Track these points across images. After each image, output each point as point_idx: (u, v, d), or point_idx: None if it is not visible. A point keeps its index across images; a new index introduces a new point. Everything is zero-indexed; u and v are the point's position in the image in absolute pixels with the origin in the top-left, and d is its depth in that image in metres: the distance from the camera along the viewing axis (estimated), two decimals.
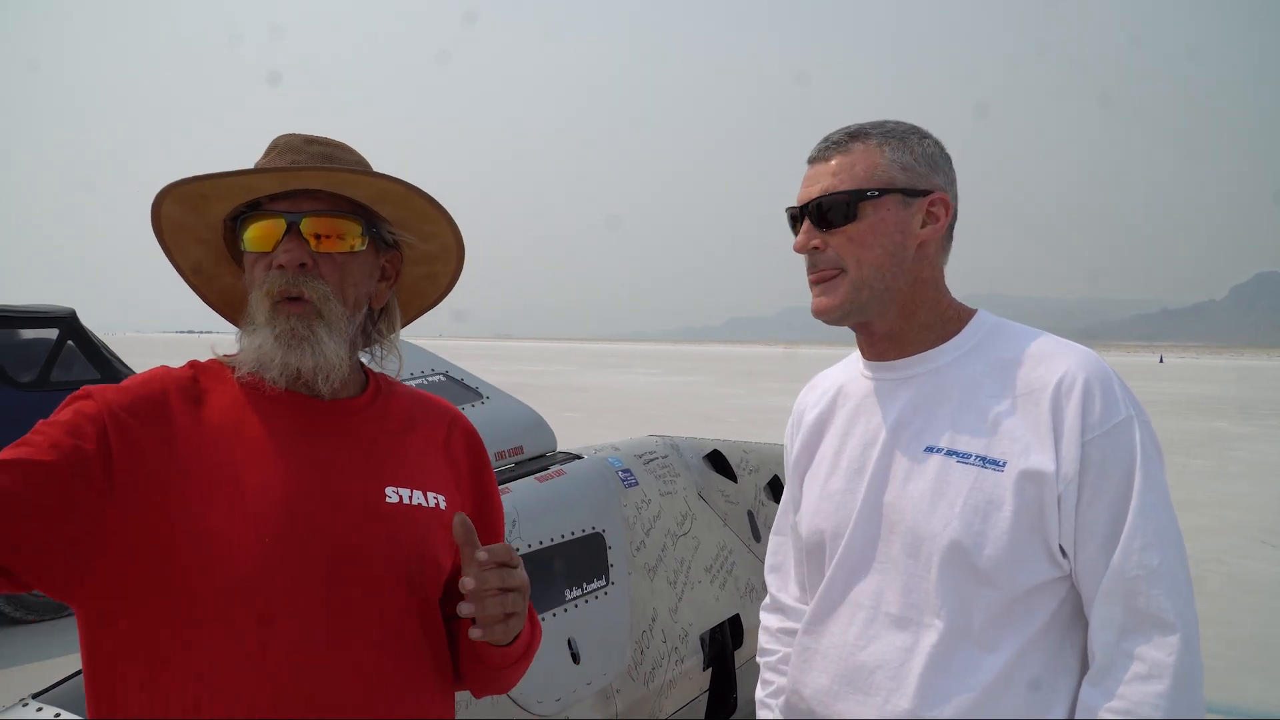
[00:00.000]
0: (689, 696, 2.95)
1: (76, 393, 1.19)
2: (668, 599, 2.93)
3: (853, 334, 1.54)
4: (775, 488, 3.76)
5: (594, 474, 2.88)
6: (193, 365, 1.29)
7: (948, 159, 1.46)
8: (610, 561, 2.74)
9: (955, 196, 1.45)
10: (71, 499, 1.08)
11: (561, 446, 3.10)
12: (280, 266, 1.23)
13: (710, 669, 3.05)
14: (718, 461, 3.57)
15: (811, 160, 1.46)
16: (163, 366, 1.28)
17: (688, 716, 2.95)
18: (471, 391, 2.91)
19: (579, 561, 2.65)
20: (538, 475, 2.72)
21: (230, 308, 1.39)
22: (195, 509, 1.13)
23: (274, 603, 1.14)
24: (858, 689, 1.39)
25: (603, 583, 2.69)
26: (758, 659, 1.70)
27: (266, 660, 1.12)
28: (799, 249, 1.45)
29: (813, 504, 1.52)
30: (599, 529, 2.74)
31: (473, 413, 2.81)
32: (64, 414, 1.15)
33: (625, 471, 3.02)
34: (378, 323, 1.38)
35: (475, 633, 1.17)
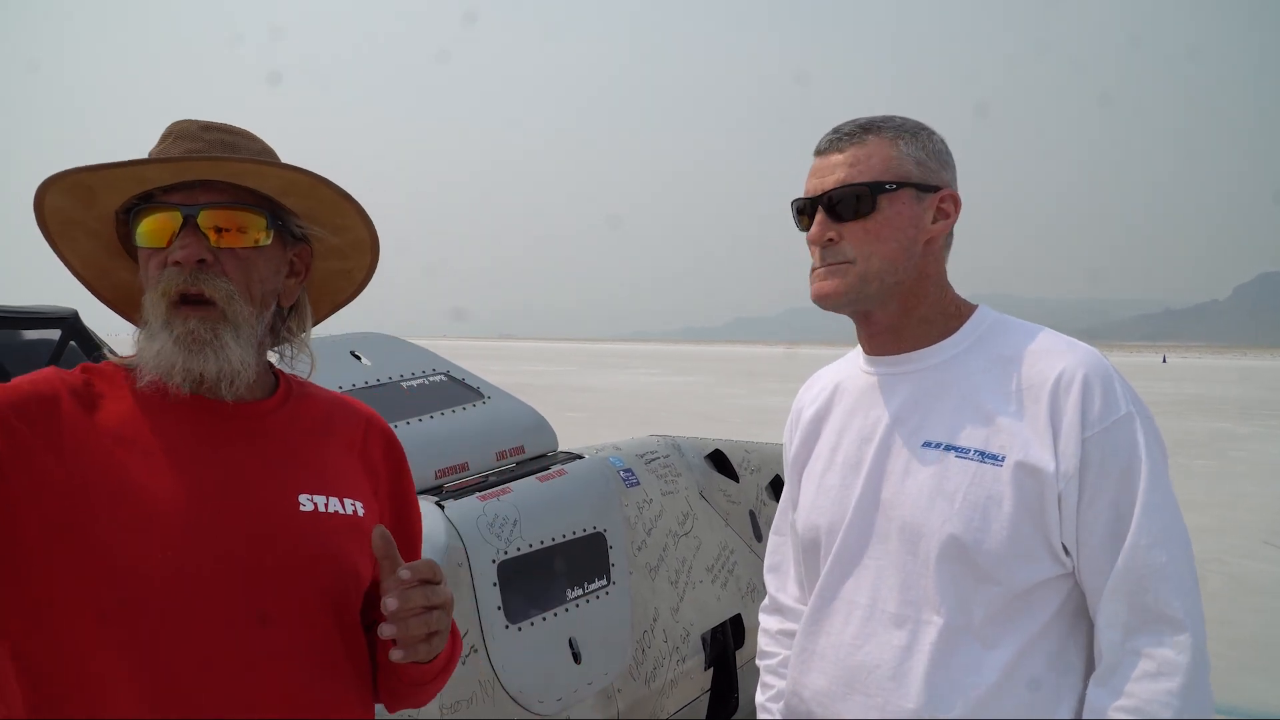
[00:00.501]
0: (690, 696, 2.95)
1: None
2: (669, 599, 2.93)
3: (853, 335, 1.54)
4: (777, 487, 3.76)
5: (595, 474, 2.88)
6: (85, 369, 1.19)
7: (952, 156, 1.47)
8: (611, 561, 2.74)
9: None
10: None
11: (563, 446, 3.10)
12: (176, 263, 1.14)
13: (712, 669, 3.05)
14: (719, 461, 3.57)
15: (821, 152, 1.44)
16: (52, 368, 1.19)
17: (689, 716, 2.95)
18: (473, 391, 2.92)
19: (580, 561, 2.65)
20: (539, 475, 2.72)
21: (128, 305, 1.29)
22: (92, 522, 1.06)
23: (180, 620, 1.07)
24: (857, 689, 1.38)
25: (604, 582, 2.69)
26: (757, 662, 1.69)
27: (174, 680, 1.05)
28: (813, 241, 1.42)
29: (809, 500, 1.51)
30: (600, 528, 2.74)
31: (474, 413, 2.81)
32: None
33: (627, 471, 3.02)
34: (287, 321, 1.29)
35: (397, 654, 1.11)
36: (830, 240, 1.40)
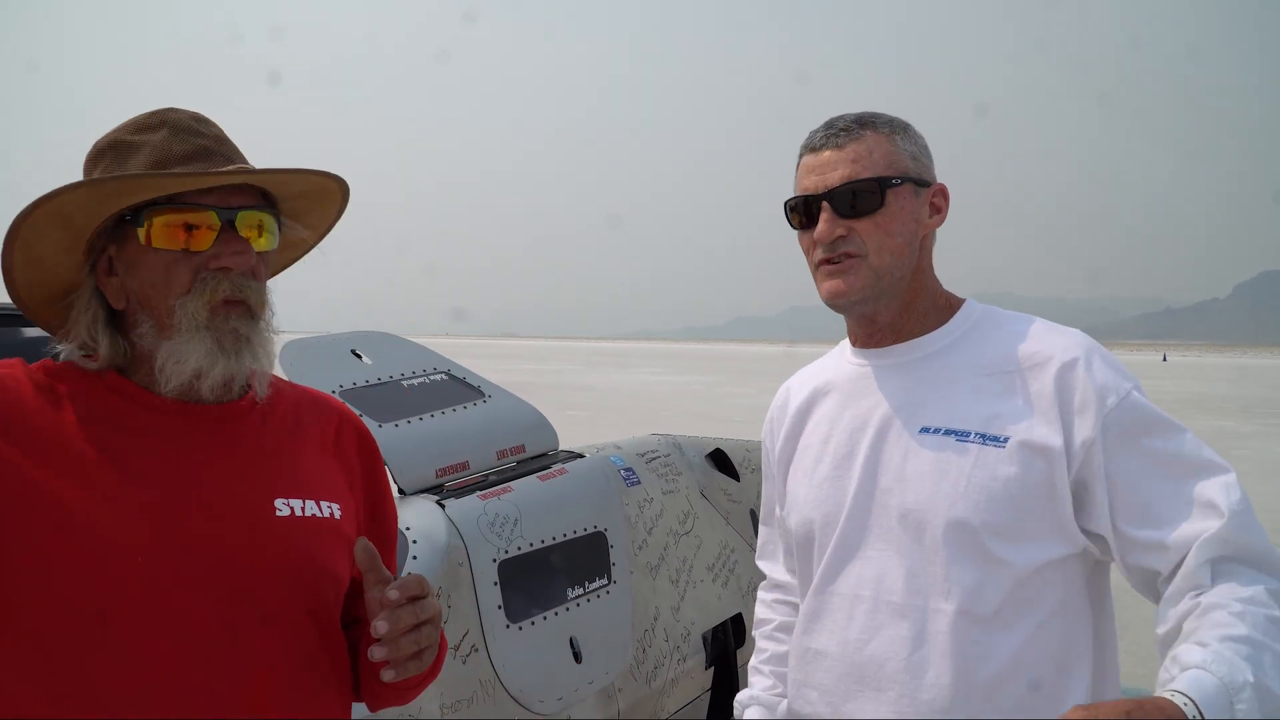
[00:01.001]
0: (691, 695, 2.95)
1: None
2: (670, 598, 2.93)
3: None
4: None
5: (596, 473, 2.88)
6: (46, 369, 1.16)
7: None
8: (612, 560, 2.73)
9: None
10: None
11: (564, 445, 3.10)
12: (223, 269, 1.12)
13: (713, 668, 3.05)
14: (720, 460, 3.57)
15: (817, 148, 1.42)
16: (19, 360, 1.15)
17: (690, 716, 2.95)
18: (473, 390, 2.91)
19: (581, 560, 2.65)
20: (539, 474, 2.72)
21: (43, 304, 1.20)
22: (67, 532, 1.04)
23: (158, 631, 1.05)
24: (867, 685, 1.35)
25: (605, 581, 2.69)
26: (753, 631, 1.68)
27: (155, 688, 1.04)
28: (822, 238, 1.40)
29: (801, 495, 1.49)
30: (601, 528, 2.74)
31: (475, 411, 2.81)
32: None
33: (627, 470, 3.02)
34: None
35: (389, 674, 1.10)
36: (840, 237, 1.39)
